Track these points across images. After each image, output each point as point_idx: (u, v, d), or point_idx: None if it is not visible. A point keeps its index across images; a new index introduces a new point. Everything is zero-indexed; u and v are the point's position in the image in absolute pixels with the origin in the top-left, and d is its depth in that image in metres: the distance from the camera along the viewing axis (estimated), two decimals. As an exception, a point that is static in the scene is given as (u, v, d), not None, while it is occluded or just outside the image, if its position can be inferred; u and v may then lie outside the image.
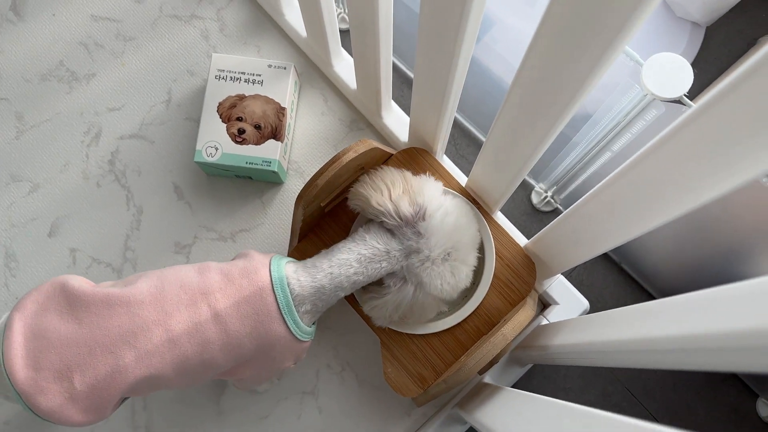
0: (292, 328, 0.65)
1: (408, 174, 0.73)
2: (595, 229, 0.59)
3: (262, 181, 0.91)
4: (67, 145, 0.92)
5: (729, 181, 0.38)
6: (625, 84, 0.66)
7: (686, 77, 0.59)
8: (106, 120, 0.93)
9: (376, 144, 0.72)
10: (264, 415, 0.85)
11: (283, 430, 0.84)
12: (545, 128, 0.56)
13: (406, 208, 0.68)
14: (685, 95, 0.60)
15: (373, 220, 0.71)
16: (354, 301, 0.78)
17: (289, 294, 0.64)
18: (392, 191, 0.70)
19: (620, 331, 0.53)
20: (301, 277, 0.66)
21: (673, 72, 0.60)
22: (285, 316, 0.64)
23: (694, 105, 0.38)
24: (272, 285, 0.64)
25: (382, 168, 0.75)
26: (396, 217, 0.68)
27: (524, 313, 0.68)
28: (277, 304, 0.64)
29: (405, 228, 0.68)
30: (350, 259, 0.67)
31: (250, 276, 0.64)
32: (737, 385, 0.98)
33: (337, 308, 0.76)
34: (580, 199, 0.59)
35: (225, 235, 0.90)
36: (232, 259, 0.70)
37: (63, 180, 0.91)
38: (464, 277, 0.72)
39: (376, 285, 0.73)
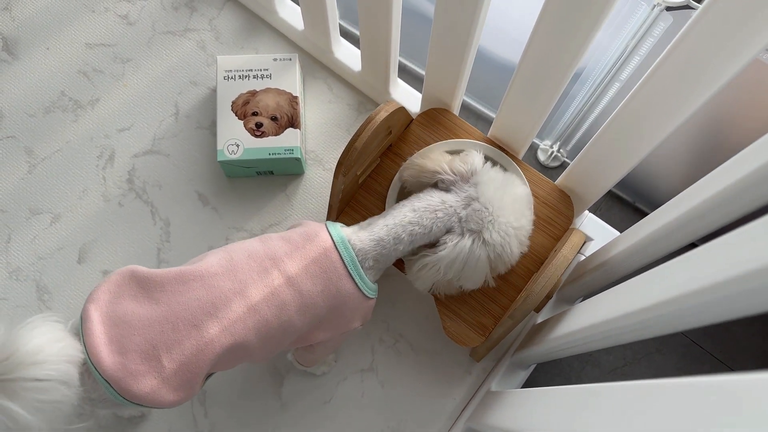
0: (359, 284, 0.66)
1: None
2: (624, 142, 0.63)
3: (282, 175, 0.92)
4: (82, 172, 0.92)
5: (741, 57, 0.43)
6: (632, 3, 0.70)
7: (692, -19, 0.64)
8: (118, 141, 0.93)
9: (400, 104, 0.75)
10: (326, 399, 0.84)
11: (349, 411, 0.84)
12: (566, 64, 0.59)
13: (460, 165, 0.71)
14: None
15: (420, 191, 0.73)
16: (402, 265, 0.79)
17: (352, 251, 0.66)
18: (442, 156, 0.74)
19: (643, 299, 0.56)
20: (359, 233, 0.67)
21: (677, -21, 0.65)
22: (351, 272, 0.65)
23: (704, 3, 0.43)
24: (335, 244, 0.65)
25: (427, 146, 0.79)
26: (451, 173, 0.70)
27: (577, 236, 0.71)
28: (343, 262, 0.65)
29: (460, 182, 0.70)
30: (404, 211, 0.69)
31: (312, 239, 0.65)
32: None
33: (381, 280, 0.77)
34: (609, 118, 0.63)
35: (256, 232, 0.90)
36: (288, 229, 0.71)
37: (83, 206, 0.91)
38: (526, 225, 0.72)
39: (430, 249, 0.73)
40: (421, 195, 0.71)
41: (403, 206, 0.70)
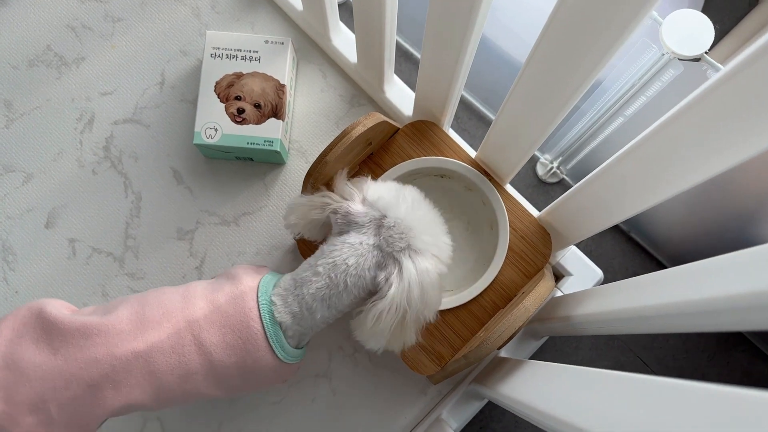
0: (279, 355, 0.62)
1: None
2: (616, 195, 0.58)
3: (263, 163, 0.88)
4: (59, 133, 0.89)
5: (761, 141, 0.37)
6: (642, 44, 0.64)
7: (707, 34, 0.58)
8: (99, 105, 0.90)
9: (384, 117, 0.70)
10: (277, 400, 0.83)
11: (297, 414, 0.83)
12: (563, 101, 0.54)
13: (349, 187, 0.62)
14: (705, 53, 0.59)
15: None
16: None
17: (277, 324, 0.61)
18: (337, 185, 0.65)
19: (647, 298, 0.52)
20: (278, 302, 0.62)
21: (693, 30, 0.59)
22: (273, 344, 0.61)
23: (727, 66, 0.36)
24: (260, 313, 0.60)
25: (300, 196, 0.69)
26: (341, 198, 0.62)
27: (544, 285, 0.67)
28: (265, 334, 0.60)
29: (357, 208, 0.62)
30: (308, 276, 0.61)
31: (237, 304, 0.61)
32: (750, 350, 0.97)
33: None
34: (600, 167, 0.57)
35: (228, 219, 0.88)
36: (219, 277, 0.67)
37: (57, 169, 0.88)
38: (442, 233, 0.63)
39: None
40: (324, 248, 0.62)
41: (309, 268, 0.61)
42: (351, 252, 0.59)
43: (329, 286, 0.60)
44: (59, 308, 0.59)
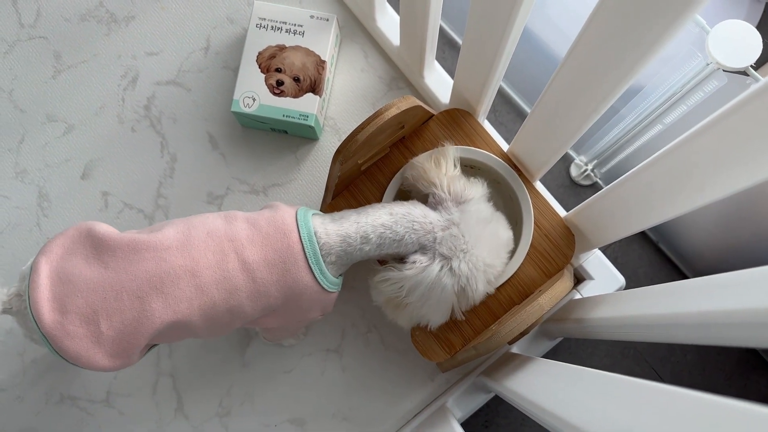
0: (318, 278, 0.64)
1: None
2: (645, 202, 0.57)
3: (297, 136, 0.89)
4: (103, 88, 0.91)
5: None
6: (687, 52, 0.62)
7: (755, 47, 0.56)
8: (144, 64, 0.92)
9: (419, 102, 0.70)
10: (288, 369, 0.85)
11: (306, 385, 0.84)
12: (598, 100, 0.53)
13: (457, 187, 0.67)
14: (751, 66, 0.57)
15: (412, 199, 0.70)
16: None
17: (316, 243, 0.63)
18: (448, 169, 0.70)
19: (664, 306, 0.51)
20: (328, 226, 0.65)
21: (740, 41, 0.57)
22: (312, 265, 0.63)
23: (766, 78, 0.35)
24: (299, 234, 0.63)
25: (444, 146, 0.73)
26: (446, 191, 0.67)
27: (561, 285, 0.67)
28: (304, 253, 0.63)
29: (449, 202, 0.67)
30: (380, 212, 0.66)
31: (277, 225, 0.63)
32: (769, 374, 0.96)
33: (365, 268, 0.75)
34: (630, 171, 0.57)
35: (257, 188, 0.89)
36: (260, 210, 0.69)
37: (98, 123, 0.90)
38: (498, 265, 0.68)
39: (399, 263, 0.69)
40: (405, 202, 0.67)
41: (382, 207, 0.67)
42: (422, 221, 0.65)
43: (392, 229, 0.64)
44: (106, 228, 0.61)
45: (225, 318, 0.62)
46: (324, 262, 0.64)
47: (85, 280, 0.57)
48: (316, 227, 0.64)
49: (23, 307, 0.57)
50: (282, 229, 0.63)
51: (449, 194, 0.67)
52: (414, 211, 0.66)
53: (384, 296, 0.66)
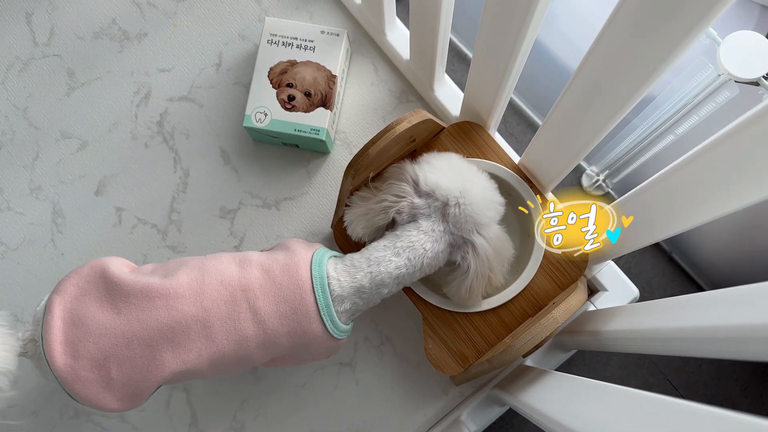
0: (329, 327, 0.64)
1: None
2: (659, 213, 0.57)
3: (308, 150, 0.90)
4: (116, 104, 0.92)
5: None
6: (698, 63, 0.62)
7: (766, 57, 0.56)
8: (156, 81, 0.93)
9: (429, 115, 0.71)
10: (301, 383, 0.85)
11: (320, 400, 0.84)
12: (611, 113, 0.53)
13: (394, 187, 0.68)
14: (763, 77, 0.57)
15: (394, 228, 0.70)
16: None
17: (329, 294, 0.63)
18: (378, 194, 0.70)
19: (681, 320, 0.51)
20: (341, 277, 0.64)
21: (752, 51, 0.57)
22: (323, 316, 0.63)
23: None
24: (312, 285, 0.63)
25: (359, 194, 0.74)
26: (396, 197, 0.68)
27: (576, 297, 0.66)
28: (317, 305, 0.63)
29: (418, 205, 0.67)
30: (388, 256, 0.65)
31: (291, 274, 0.63)
32: (786, 385, 0.95)
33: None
34: (644, 183, 0.57)
35: (269, 202, 0.89)
36: (275, 248, 0.69)
37: (111, 139, 0.91)
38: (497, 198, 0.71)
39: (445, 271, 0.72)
40: (398, 233, 0.67)
41: (385, 249, 0.66)
42: (426, 237, 0.66)
43: (407, 266, 0.65)
44: (121, 267, 0.62)
45: (232, 364, 0.63)
46: (336, 311, 0.64)
47: (97, 325, 0.58)
48: (330, 277, 0.64)
49: (38, 351, 0.58)
50: (296, 280, 0.62)
51: (402, 194, 0.68)
52: (414, 238, 0.66)
53: (479, 298, 0.72)
